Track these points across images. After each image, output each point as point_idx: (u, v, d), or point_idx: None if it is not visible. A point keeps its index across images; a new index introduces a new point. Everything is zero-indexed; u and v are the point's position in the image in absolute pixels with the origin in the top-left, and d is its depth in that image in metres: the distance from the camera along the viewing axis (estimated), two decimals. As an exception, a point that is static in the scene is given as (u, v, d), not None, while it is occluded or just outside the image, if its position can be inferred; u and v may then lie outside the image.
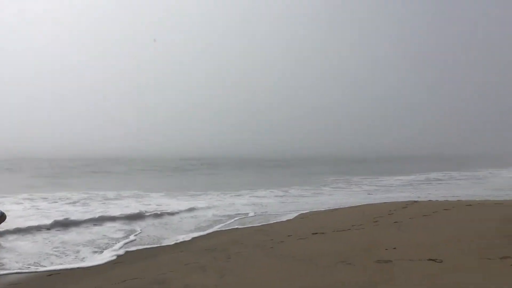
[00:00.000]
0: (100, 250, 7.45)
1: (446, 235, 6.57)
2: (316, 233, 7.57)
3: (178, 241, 8.15)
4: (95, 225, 9.76)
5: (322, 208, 12.41)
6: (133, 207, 12.29)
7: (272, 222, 10.01)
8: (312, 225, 8.89)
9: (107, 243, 8.02)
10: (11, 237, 8.32)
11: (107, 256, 7.06)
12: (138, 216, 10.75)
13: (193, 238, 8.42)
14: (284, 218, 10.56)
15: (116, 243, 7.98)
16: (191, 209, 12.18)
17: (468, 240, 5.96)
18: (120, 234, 8.85)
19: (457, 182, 24.99)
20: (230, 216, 11.22)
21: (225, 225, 9.95)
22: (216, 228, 9.55)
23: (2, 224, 8.66)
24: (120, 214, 10.69)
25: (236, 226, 9.66)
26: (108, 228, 9.45)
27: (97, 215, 10.48)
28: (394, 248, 5.76)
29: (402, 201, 12.48)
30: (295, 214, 11.21)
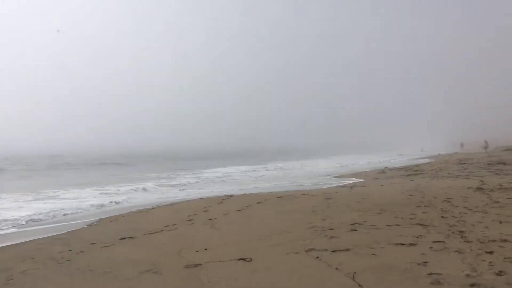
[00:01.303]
0: None
1: (257, 230, 6.80)
2: (125, 238, 7.03)
3: None
4: None
5: (136, 208, 11.76)
6: None
7: (76, 228, 8.94)
8: (121, 228, 8.29)
9: None
10: None
11: None
12: None
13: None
14: (91, 222, 9.61)
15: None
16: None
17: (277, 235, 6.25)
18: None
19: (271, 173, 27.13)
20: (19, 225, 9.66)
21: (11, 236, 8.48)
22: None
23: None
24: None
25: (30, 238, 8.23)
26: None
27: None
28: (206, 249, 5.67)
29: (218, 196, 12.76)
30: (105, 216, 10.34)
